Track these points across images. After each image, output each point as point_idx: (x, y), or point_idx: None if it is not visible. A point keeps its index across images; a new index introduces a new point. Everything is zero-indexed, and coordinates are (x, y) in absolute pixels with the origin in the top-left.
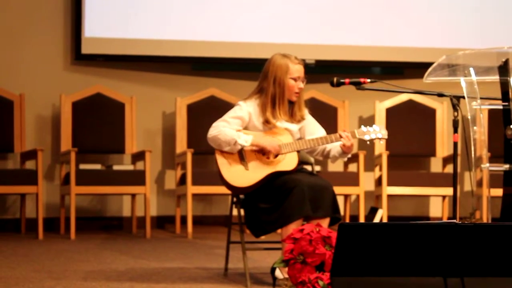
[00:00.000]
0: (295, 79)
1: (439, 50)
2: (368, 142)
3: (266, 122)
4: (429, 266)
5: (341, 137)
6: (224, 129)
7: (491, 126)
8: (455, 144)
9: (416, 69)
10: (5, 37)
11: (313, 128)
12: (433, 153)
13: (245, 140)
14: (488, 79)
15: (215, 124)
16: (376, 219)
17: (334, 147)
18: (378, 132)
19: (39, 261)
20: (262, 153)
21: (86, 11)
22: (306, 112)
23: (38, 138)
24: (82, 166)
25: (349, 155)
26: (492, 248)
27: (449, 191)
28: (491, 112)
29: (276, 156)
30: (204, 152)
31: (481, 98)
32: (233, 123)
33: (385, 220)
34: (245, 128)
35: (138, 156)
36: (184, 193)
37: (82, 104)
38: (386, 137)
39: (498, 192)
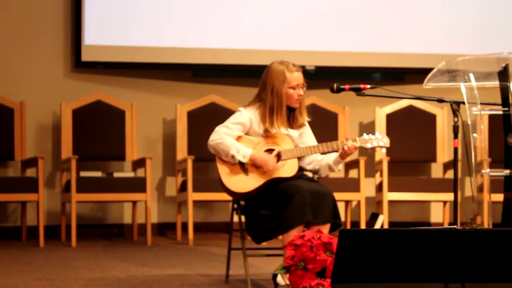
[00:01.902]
0: (293, 88)
1: (439, 56)
2: (369, 150)
3: (266, 131)
4: (430, 272)
5: (343, 149)
6: (225, 138)
7: (491, 131)
8: (456, 149)
9: (416, 75)
10: (5, 45)
11: (307, 139)
12: (433, 159)
13: (243, 155)
14: (488, 84)
15: (217, 129)
16: (377, 225)
17: (327, 156)
18: (380, 140)
19: (40, 269)
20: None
21: (86, 19)
22: (306, 119)
23: (39, 146)
24: (83, 174)
25: (340, 166)
26: (493, 253)
27: (450, 196)
28: (491, 118)
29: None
30: (205, 158)
31: (481, 104)
32: (234, 129)
33: (386, 226)
34: (246, 133)
35: (139, 163)
36: (185, 199)
37: (82, 111)
38: (388, 145)
39: (499, 197)
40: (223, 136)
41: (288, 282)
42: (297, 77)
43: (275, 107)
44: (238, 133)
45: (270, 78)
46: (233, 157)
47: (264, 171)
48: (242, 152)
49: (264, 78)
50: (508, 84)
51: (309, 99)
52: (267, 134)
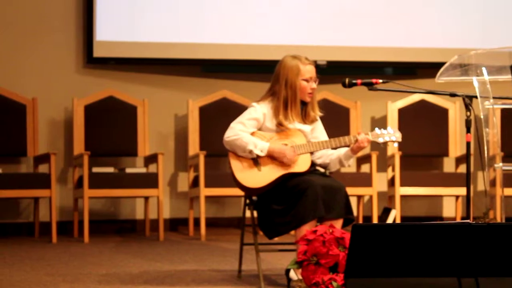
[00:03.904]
0: (307, 80)
1: (451, 50)
2: (382, 145)
3: (280, 125)
4: (443, 267)
5: (356, 141)
6: (241, 134)
7: (504, 125)
8: (468, 144)
9: (428, 69)
10: (17, 41)
11: (319, 133)
12: (446, 153)
13: (261, 149)
14: (500, 78)
15: (232, 126)
16: (389, 220)
17: (338, 150)
18: (392, 134)
19: (53, 265)
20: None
21: (97, 15)
22: (319, 113)
23: (51, 142)
24: (95, 169)
25: (351, 161)
26: (506, 247)
27: (462, 191)
28: (504, 112)
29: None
30: (217, 154)
31: (493, 98)
32: (249, 125)
33: (398, 221)
34: (259, 129)
35: (151, 159)
36: (197, 195)
37: (94, 107)
38: (400, 139)
39: None
40: (239, 133)
41: (300, 277)
42: (310, 70)
43: (289, 99)
44: (253, 129)
45: (283, 71)
46: (250, 152)
47: (283, 162)
48: (260, 146)
49: (277, 72)
50: None
51: (321, 94)
52: (280, 129)
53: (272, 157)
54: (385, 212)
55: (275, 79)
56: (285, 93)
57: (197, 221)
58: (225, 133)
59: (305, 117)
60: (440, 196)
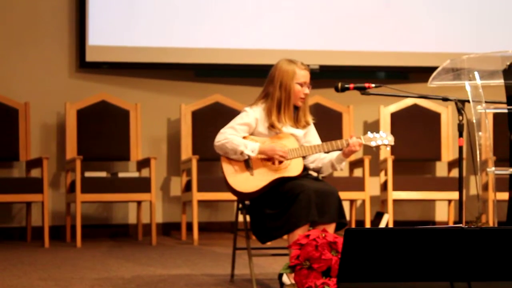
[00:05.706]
0: (301, 84)
1: (443, 55)
2: (374, 149)
3: (272, 126)
4: (435, 271)
5: (348, 144)
6: (231, 137)
7: (496, 129)
8: (460, 148)
9: (421, 74)
10: (10, 45)
11: (312, 137)
12: (438, 158)
13: (252, 150)
14: (493, 83)
15: (222, 131)
16: (382, 224)
17: (330, 154)
18: (384, 138)
19: (46, 269)
20: (268, 159)
21: (90, 19)
22: (310, 119)
23: (43, 146)
24: (88, 174)
25: (343, 165)
26: (498, 252)
27: (455, 195)
28: (496, 116)
29: (281, 162)
30: (210, 158)
31: (486, 102)
32: (240, 130)
33: (391, 225)
34: (251, 134)
35: (144, 163)
36: (189, 199)
37: (87, 111)
38: (392, 143)
39: (504, 195)
40: (228, 136)
41: (293, 282)
42: (305, 75)
43: (283, 101)
44: (244, 134)
45: (279, 73)
46: (242, 153)
47: (274, 158)
48: (250, 146)
49: (272, 74)
50: None
51: (313, 98)
52: (274, 131)
53: (263, 158)
54: (378, 216)
55: (269, 81)
56: (279, 95)
57: (189, 226)
58: (215, 138)
59: (296, 122)
60: (433, 201)
